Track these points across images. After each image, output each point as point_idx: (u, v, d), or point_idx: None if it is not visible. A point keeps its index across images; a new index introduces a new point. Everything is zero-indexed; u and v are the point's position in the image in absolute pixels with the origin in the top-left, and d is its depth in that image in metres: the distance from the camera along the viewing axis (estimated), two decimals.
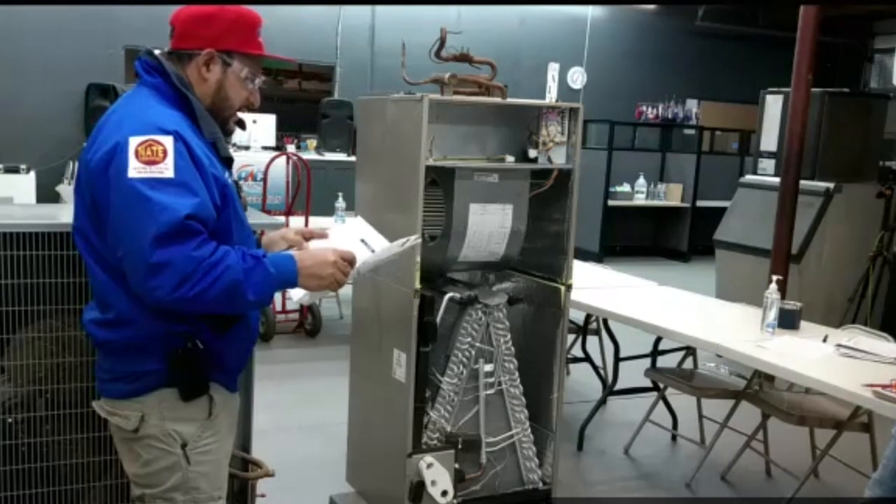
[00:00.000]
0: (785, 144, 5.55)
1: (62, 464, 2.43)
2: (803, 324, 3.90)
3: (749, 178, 6.91)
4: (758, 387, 4.12)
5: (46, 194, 7.94)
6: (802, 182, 5.56)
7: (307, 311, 6.35)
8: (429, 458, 3.01)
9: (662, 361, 4.51)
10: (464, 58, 3.01)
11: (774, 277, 3.86)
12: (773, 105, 6.59)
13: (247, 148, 8.08)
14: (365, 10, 10.17)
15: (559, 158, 3.20)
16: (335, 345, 6.03)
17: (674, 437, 4.66)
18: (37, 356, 2.38)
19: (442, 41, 2.94)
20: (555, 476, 3.37)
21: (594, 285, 4.68)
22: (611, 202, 10.54)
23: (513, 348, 3.24)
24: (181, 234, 1.81)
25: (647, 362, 4.50)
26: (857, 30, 12.71)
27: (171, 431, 1.99)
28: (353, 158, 6.78)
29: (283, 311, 6.36)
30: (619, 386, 4.70)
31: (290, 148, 8.21)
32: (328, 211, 6.34)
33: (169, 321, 1.93)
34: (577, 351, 5.18)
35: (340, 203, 6.38)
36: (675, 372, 4.42)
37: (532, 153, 3.20)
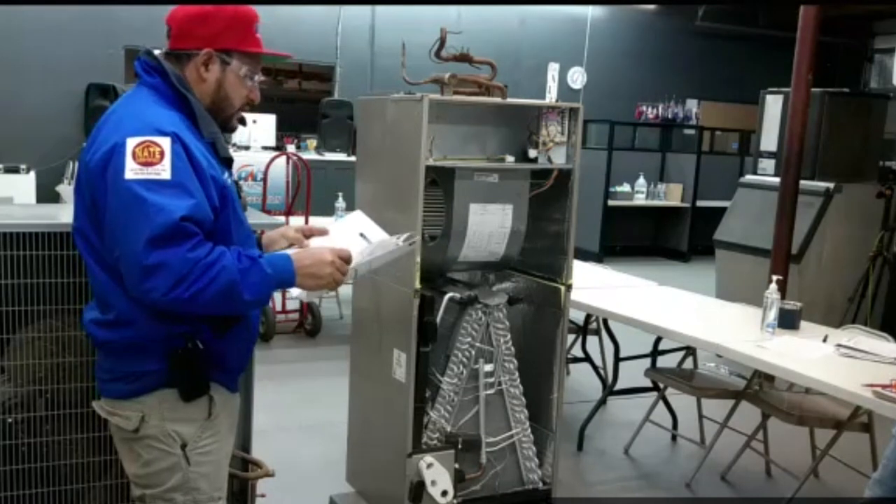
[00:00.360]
0: (785, 144, 5.55)
1: (62, 464, 2.43)
2: (803, 324, 3.90)
3: (749, 178, 6.92)
4: (758, 387, 4.12)
5: (46, 194, 7.94)
6: (802, 182, 5.56)
7: (307, 311, 6.35)
8: (429, 458, 3.01)
9: (662, 361, 4.51)
10: (464, 58, 3.01)
11: (774, 277, 3.86)
12: (773, 105, 6.59)
13: (247, 148, 8.09)
14: (365, 10, 10.17)
15: (559, 158, 3.20)
16: (335, 345, 6.03)
17: (674, 437, 4.66)
18: (37, 356, 2.38)
19: (442, 41, 2.94)
20: (555, 476, 3.37)
21: (594, 285, 4.68)
22: (611, 202, 10.55)
23: (513, 348, 3.24)
24: (176, 235, 1.81)
25: (647, 362, 4.50)
26: (857, 30, 12.72)
27: (172, 432, 1.99)
28: (353, 158, 6.78)
29: (283, 311, 6.36)
30: (619, 386, 4.70)
31: (290, 148, 8.22)
32: (328, 211, 6.34)
33: (169, 321, 1.93)
34: (577, 351, 5.18)
35: (340, 203, 6.39)
36: (675, 372, 4.42)
37: (532, 153, 3.20)
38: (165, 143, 1.86)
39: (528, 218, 3.20)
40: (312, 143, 9.24)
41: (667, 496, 4.04)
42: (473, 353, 3.15)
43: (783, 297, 3.93)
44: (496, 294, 3.25)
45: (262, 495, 2.86)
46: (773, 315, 3.72)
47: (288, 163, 6.76)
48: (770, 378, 4.13)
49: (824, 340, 3.66)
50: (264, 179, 6.48)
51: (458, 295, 3.10)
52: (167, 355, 1.96)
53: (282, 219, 5.39)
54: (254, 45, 2.09)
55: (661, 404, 4.53)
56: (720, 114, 12.38)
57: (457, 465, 3.10)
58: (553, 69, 11.45)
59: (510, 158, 3.17)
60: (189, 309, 1.87)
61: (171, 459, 2.00)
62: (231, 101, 2.09)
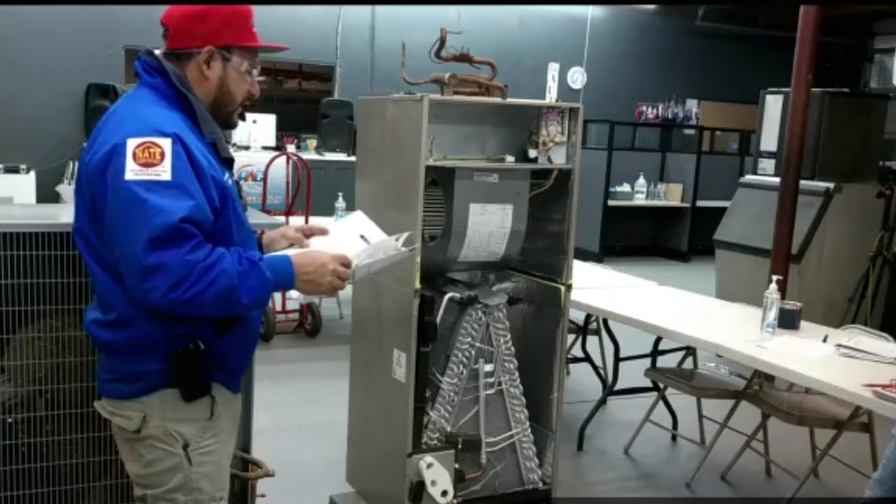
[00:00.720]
0: (785, 144, 5.55)
1: (62, 464, 2.43)
2: (803, 324, 3.90)
3: (749, 178, 6.92)
4: (758, 387, 4.12)
5: (46, 194, 7.94)
6: (802, 182, 5.56)
7: (307, 311, 6.36)
8: (429, 458, 3.01)
9: (662, 361, 4.51)
10: (464, 58, 3.01)
11: (774, 277, 3.85)
12: (773, 105, 6.59)
13: (247, 148, 8.10)
14: (365, 10, 10.17)
15: (559, 158, 3.20)
16: (335, 345, 6.04)
17: (674, 437, 4.66)
18: (37, 356, 2.38)
19: (442, 41, 2.94)
20: (555, 476, 3.37)
21: (594, 285, 4.68)
22: (611, 202, 10.55)
23: (513, 348, 3.24)
24: (176, 237, 1.81)
25: (647, 362, 4.50)
26: (857, 30, 12.71)
27: (173, 432, 1.99)
28: (353, 158, 6.79)
29: (283, 311, 6.36)
30: (619, 386, 4.70)
31: (290, 148, 8.22)
32: (328, 211, 6.34)
33: (170, 322, 1.93)
34: (577, 351, 5.18)
35: (340, 203, 6.39)
36: (675, 372, 4.42)
37: (532, 153, 3.20)
38: (166, 143, 1.86)
39: (528, 218, 3.20)
40: (312, 143, 9.25)
41: (667, 496, 4.04)
42: (473, 353, 3.15)
43: (783, 297, 3.93)
44: (496, 294, 3.25)
45: (262, 495, 2.86)
46: (773, 315, 3.72)
47: (288, 163, 6.76)
48: (770, 378, 4.13)
49: (824, 340, 3.66)
50: (264, 179, 6.48)
51: (458, 295, 3.10)
52: (168, 355, 1.95)
53: (282, 219, 5.39)
54: (252, 39, 2.10)
55: (661, 404, 4.53)
56: (720, 114, 12.38)
57: (457, 465, 3.10)
58: (553, 69, 11.45)
59: (510, 158, 3.17)
60: (187, 311, 1.87)
61: (173, 460, 2.00)
62: (233, 96, 2.10)
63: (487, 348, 3.18)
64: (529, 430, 3.31)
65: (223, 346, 2.03)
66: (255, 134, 8.26)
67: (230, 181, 2.04)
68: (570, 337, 4.97)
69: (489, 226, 3.12)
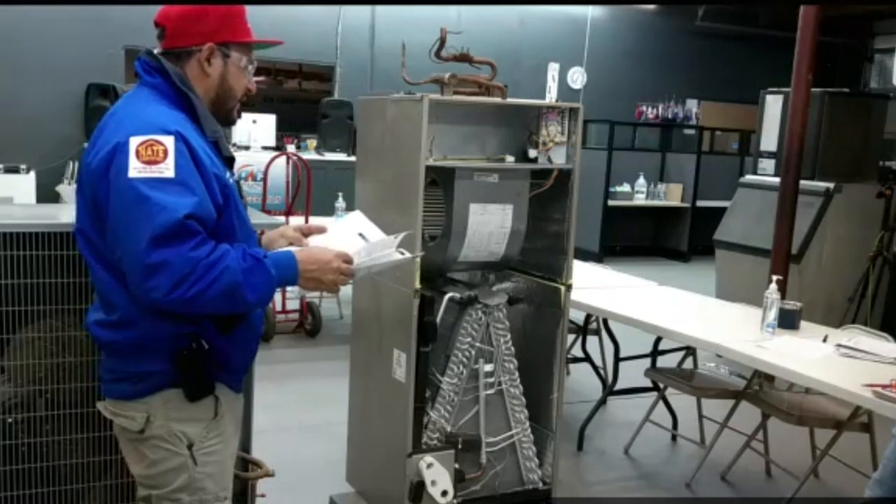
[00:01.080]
0: (785, 144, 5.55)
1: (62, 464, 2.43)
2: (803, 324, 3.90)
3: (749, 178, 6.92)
4: (758, 387, 4.12)
5: (46, 194, 7.94)
6: (802, 182, 5.56)
7: (307, 311, 6.36)
8: (429, 458, 3.01)
9: (662, 361, 4.51)
10: (464, 58, 3.01)
11: (774, 277, 3.85)
12: (773, 105, 6.59)
13: (247, 148, 8.09)
14: (365, 10, 10.17)
15: (559, 158, 3.20)
16: (335, 345, 6.04)
17: (674, 437, 4.66)
18: (37, 356, 2.38)
19: (442, 41, 2.94)
20: (555, 476, 3.37)
21: (594, 285, 4.68)
22: (611, 202, 10.55)
23: (513, 348, 3.24)
24: (179, 234, 1.80)
25: (647, 362, 4.50)
26: (857, 30, 12.71)
27: (177, 432, 1.99)
28: (353, 158, 6.79)
29: (283, 311, 6.36)
30: (619, 386, 4.70)
31: (290, 148, 8.22)
32: (328, 211, 6.34)
33: (173, 321, 1.92)
34: (577, 351, 5.18)
35: (340, 203, 6.39)
36: (675, 372, 4.42)
37: (532, 153, 3.20)
38: (169, 141, 1.86)
39: (528, 218, 3.20)
40: (312, 143, 9.24)
41: (667, 496, 4.04)
42: (473, 353, 3.15)
43: (783, 297, 3.93)
44: (496, 294, 3.25)
45: (262, 495, 2.86)
46: (773, 315, 3.72)
47: (288, 163, 6.76)
48: (770, 378, 4.13)
49: (824, 340, 3.66)
50: (264, 179, 6.48)
51: (458, 295, 3.10)
52: (172, 355, 1.95)
53: (282, 219, 5.38)
54: (248, 35, 2.11)
55: (661, 404, 4.53)
56: (720, 114, 12.38)
57: (457, 465, 3.10)
58: (553, 69, 11.45)
59: (510, 158, 3.17)
60: (191, 308, 1.87)
61: (178, 460, 2.00)
62: (234, 92, 2.11)
63: (487, 348, 3.18)
64: (529, 430, 3.31)
65: (226, 346, 2.02)
66: (255, 134, 8.26)
67: (231, 180, 2.05)
68: (570, 337, 4.97)
69: (489, 226, 3.12)
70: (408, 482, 3.01)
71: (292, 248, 2.10)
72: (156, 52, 2.06)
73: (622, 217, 10.77)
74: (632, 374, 4.67)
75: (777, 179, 5.70)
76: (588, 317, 4.96)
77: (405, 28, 8.31)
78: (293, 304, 6.38)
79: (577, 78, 11.64)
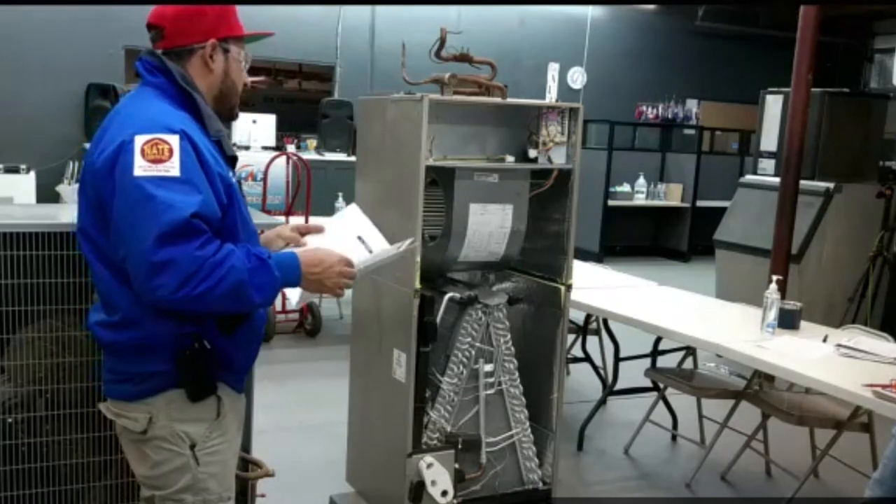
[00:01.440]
0: (785, 144, 5.55)
1: (62, 464, 2.43)
2: (803, 324, 3.90)
3: (749, 178, 6.91)
4: (758, 387, 4.12)
5: (46, 194, 7.94)
6: (802, 182, 5.56)
7: (307, 311, 6.35)
8: (429, 458, 3.01)
9: (662, 361, 4.51)
10: (464, 58, 3.01)
11: (774, 277, 3.86)
12: (773, 105, 6.59)
13: (247, 148, 8.09)
14: (365, 10, 10.17)
15: (559, 158, 3.20)
16: (335, 345, 6.04)
17: (674, 437, 4.66)
18: (37, 356, 2.38)
19: (442, 41, 2.94)
20: (555, 476, 3.37)
21: (594, 285, 4.68)
22: (611, 202, 10.55)
23: (513, 348, 3.24)
24: (185, 232, 1.80)
25: (647, 362, 4.50)
26: (857, 30, 12.71)
27: (180, 432, 1.99)
28: (353, 158, 6.78)
29: (283, 311, 6.36)
30: (619, 386, 4.70)
31: (290, 148, 8.22)
32: (328, 211, 6.32)
33: (176, 321, 1.92)
34: (577, 351, 5.18)
35: (340, 203, 6.40)
36: (675, 372, 4.42)
37: (532, 153, 3.20)
38: (174, 140, 1.86)
39: (528, 218, 3.20)
40: (312, 143, 9.24)
41: (667, 496, 4.04)
42: (473, 353, 3.15)
43: (783, 297, 3.93)
44: (496, 294, 3.25)
45: (262, 495, 2.86)
46: (773, 315, 3.72)
47: (288, 163, 6.76)
48: (770, 378, 4.13)
49: (824, 340, 3.66)
50: (264, 179, 6.48)
51: (458, 295, 3.10)
52: (175, 356, 1.95)
53: (282, 219, 5.39)
54: (242, 28, 2.13)
55: (661, 404, 4.53)
56: (720, 114, 12.38)
57: (457, 465, 3.10)
58: (553, 69, 11.45)
59: (510, 158, 3.17)
60: (196, 307, 1.86)
61: (181, 460, 1.99)
62: (236, 87, 2.13)
63: (487, 348, 3.18)
64: (529, 430, 3.31)
65: (229, 346, 2.02)
66: (255, 134, 8.26)
67: (234, 180, 2.05)
68: (570, 337, 4.97)
69: (489, 226, 3.12)
70: (408, 482, 3.01)
71: (295, 250, 2.10)
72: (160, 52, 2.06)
73: (622, 217, 10.77)
74: (632, 374, 4.67)
75: (777, 179, 5.70)
76: (588, 317, 4.96)
77: (405, 28, 8.31)
78: (292, 305, 6.36)
79: (577, 78, 11.64)
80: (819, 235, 6.10)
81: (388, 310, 3.16)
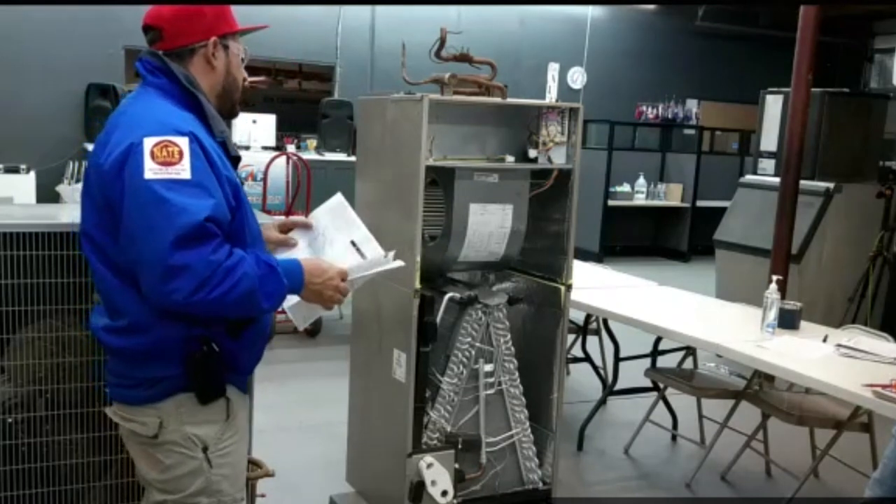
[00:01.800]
0: (785, 144, 5.56)
1: (62, 464, 2.43)
2: (803, 324, 3.90)
3: (749, 178, 6.92)
4: (758, 387, 4.12)
5: (46, 194, 7.93)
6: (802, 182, 5.56)
7: None
8: (429, 458, 3.01)
9: (662, 361, 4.51)
10: (464, 58, 3.01)
11: (774, 277, 3.86)
12: (773, 105, 6.59)
13: (247, 148, 8.08)
14: (365, 10, 10.16)
15: (559, 158, 3.20)
16: (335, 345, 6.03)
17: (674, 437, 4.66)
18: (37, 356, 2.38)
19: (442, 41, 2.94)
20: (555, 476, 3.37)
21: (594, 285, 4.68)
22: (611, 202, 10.55)
23: (513, 348, 3.24)
24: (200, 237, 1.79)
25: (647, 362, 4.50)
26: (857, 30, 12.71)
27: (192, 435, 1.97)
28: (353, 158, 6.78)
29: (283, 311, 6.34)
30: (619, 386, 4.70)
31: (290, 148, 8.20)
32: None
33: (184, 324, 1.90)
34: (577, 351, 5.18)
35: None
36: (675, 372, 4.42)
37: (532, 153, 3.20)
38: (183, 142, 1.85)
39: (528, 218, 3.20)
40: (312, 143, 9.22)
41: (667, 496, 4.04)
42: (473, 353, 3.15)
43: (783, 297, 3.93)
44: (496, 294, 3.25)
45: (262, 495, 2.86)
46: (773, 315, 3.72)
47: (288, 163, 6.76)
48: (770, 378, 4.13)
49: (824, 340, 3.66)
50: (264, 179, 6.48)
51: (458, 295, 3.10)
52: (184, 359, 1.93)
53: (282, 219, 5.37)
54: (236, 25, 2.12)
55: (661, 404, 4.53)
56: (720, 114, 12.38)
57: (457, 465, 3.10)
58: (553, 69, 11.44)
59: (510, 158, 3.17)
60: (207, 312, 1.86)
61: (194, 463, 1.98)
62: (238, 83, 2.13)
63: (487, 348, 3.18)
64: (529, 430, 3.31)
65: (236, 348, 2.01)
66: (255, 134, 8.24)
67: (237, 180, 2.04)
68: (570, 337, 4.97)
69: (489, 226, 3.12)
70: (408, 482, 3.01)
71: (298, 258, 2.10)
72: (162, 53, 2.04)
73: (622, 217, 10.77)
74: (632, 374, 4.67)
75: (777, 179, 5.70)
76: (588, 317, 4.96)
77: (405, 28, 8.31)
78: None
79: (577, 78, 11.63)
80: (819, 235, 6.10)
81: (388, 310, 3.16)
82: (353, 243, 2.22)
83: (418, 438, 3.06)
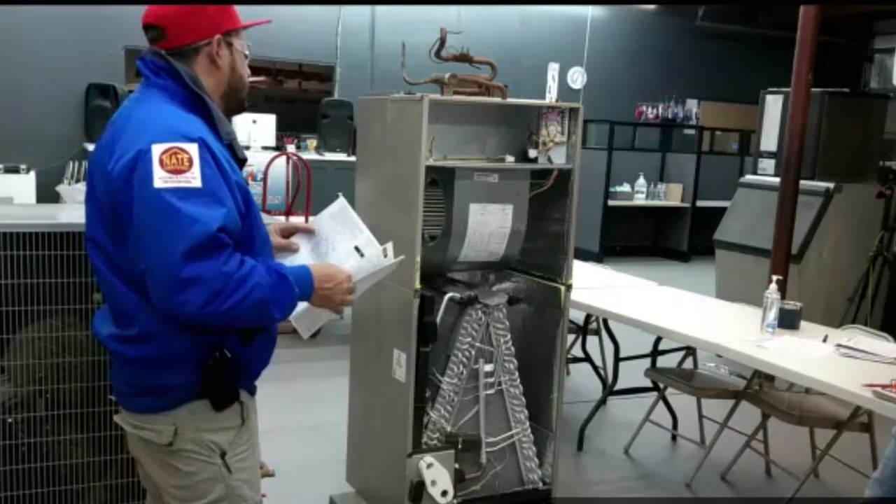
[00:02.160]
0: (785, 144, 5.56)
1: (62, 464, 2.43)
2: (803, 324, 3.90)
3: (749, 178, 6.91)
4: (758, 387, 4.11)
5: (46, 194, 7.92)
6: (802, 182, 5.56)
7: None
8: (429, 458, 3.01)
9: (662, 361, 4.51)
10: (464, 58, 3.01)
11: (774, 277, 3.86)
12: (773, 105, 6.59)
13: (247, 148, 8.07)
14: (365, 10, 10.17)
15: (559, 158, 3.20)
16: (335, 345, 6.03)
17: (674, 437, 4.66)
18: (37, 356, 2.38)
19: (442, 41, 2.94)
20: (555, 476, 3.37)
21: (594, 285, 4.68)
22: (611, 202, 10.55)
23: (513, 348, 3.24)
24: (212, 247, 1.75)
25: (647, 362, 4.50)
26: (857, 30, 12.71)
27: (208, 442, 1.95)
28: (353, 158, 6.78)
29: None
30: (619, 386, 4.70)
31: (290, 148, 8.21)
32: None
33: (196, 332, 1.87)
34: (577, 351, 5.18)
35: None
36: (675, 372, 4.42)
37: (532, 153, 3.20)
38: (193, 149, 1.79)
39: (528, 218, 3.20)
40: (312, 143, 9.24)
41: (667, 496, 4.04)
42: (473, 353, 3.15)
43: (783, 297, 3.93)
44: (496, 294, 3.25)
45: (263, 495, 2.85)
46: (773, 315, 3.72)
47: (288, 163, 6.75)
48: (770, 378, 4.13)
49: (824, 340, 3.66)
50: (264, 179, 6.47)
51: (458, 295, 3.10)
52: (197, 367, 1.90)
53: (282, 219, 5.38)
54: (240, 21, 2.07)
55: (661, 404, 4.53)
56: (720, 114, 12.38)
57: (457, 465, 3.10)
58: (553, 69, 11.45)
59: (510, 158, 3.17)
60: (219, 322, 1.82)
61: (212, 470, 1.95)
62: (244, 80, 2.07)
63: (487, 348, 3.18)
64: (529, 430, 3.31)
65: (248, 354, 1.99)
66: (255, 134, 8.25)
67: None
68: (570, 337, 4.97)
69: (489, 226, 3.12)
70: (408, 482, 3.01)
71: (306, 264, 2.07)
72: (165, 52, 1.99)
73: (622, 217, 10.77)
74: (632, 374, 4.67)
75: (777, 179, 5.70)
76: (588, 317, 4.96)
77: (405, 28, 8.31)
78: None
79: (577, 78, 11.64)
80: (819, 235, 6.10)
81: (388, 310, 3.16)
82: (356, 248, 2.21)
83: (418, 438, 3.06)
